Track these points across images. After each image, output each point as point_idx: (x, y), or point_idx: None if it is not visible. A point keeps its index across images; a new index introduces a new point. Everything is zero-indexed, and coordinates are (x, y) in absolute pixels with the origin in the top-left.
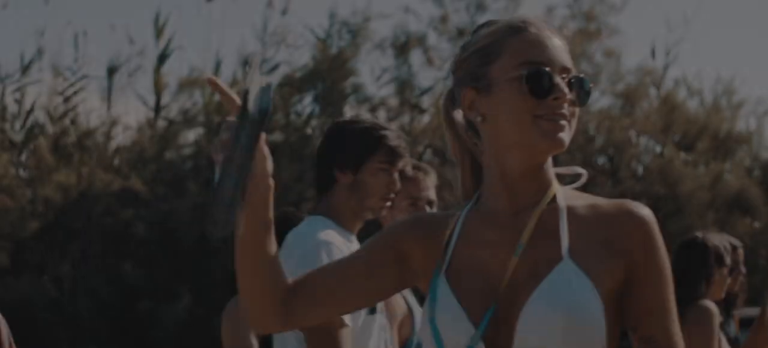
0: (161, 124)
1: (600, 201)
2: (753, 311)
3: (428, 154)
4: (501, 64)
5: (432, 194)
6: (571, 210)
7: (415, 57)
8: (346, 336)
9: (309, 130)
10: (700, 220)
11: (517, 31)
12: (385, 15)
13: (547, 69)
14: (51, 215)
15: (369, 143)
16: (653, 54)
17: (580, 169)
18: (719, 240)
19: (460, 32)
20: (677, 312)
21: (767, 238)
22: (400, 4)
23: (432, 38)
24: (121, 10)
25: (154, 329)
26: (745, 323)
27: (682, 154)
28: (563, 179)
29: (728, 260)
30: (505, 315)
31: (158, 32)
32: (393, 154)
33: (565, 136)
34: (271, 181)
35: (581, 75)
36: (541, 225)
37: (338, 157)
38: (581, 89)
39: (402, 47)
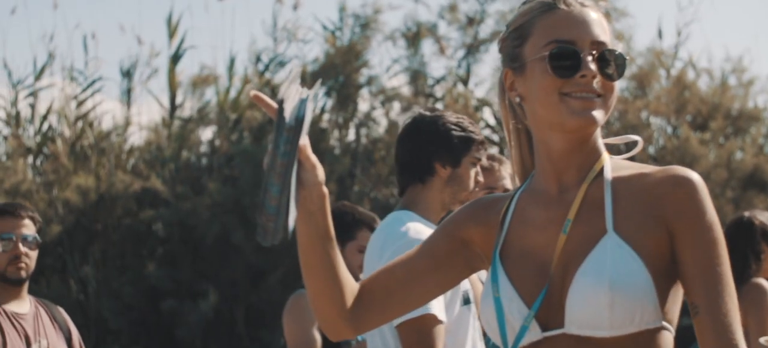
0: (177, 123)
1: (648, 169)
2: None
3: None
4: (531, 44)
5: (508, 183)
6: (617, 181)
7: (426, 47)
8: (440, 332)
9: (323, 124)
10: (717, 199)
11: (547, 8)
12: (395, 6)
13: (573, 47)
14: (71, 218)
15: (466, 138)
16: (660, 35)
17: (634, 137)
18: (766, 217)
19: (470, 20)
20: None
21: None
22: None
23: (442, 27)
24: (129, 11)
25: (179, 328)
26: None
27: (698, 134)
28: (615, 150)
29: None
30: (556, 292)
31: (171, 32)
32: (481, 148)
33: (598, 113)
34: (325, 190)
35: (614, 49)
36: (588, 200)
37: (440, 152)
38: (613, 63)
39: (413, 38)
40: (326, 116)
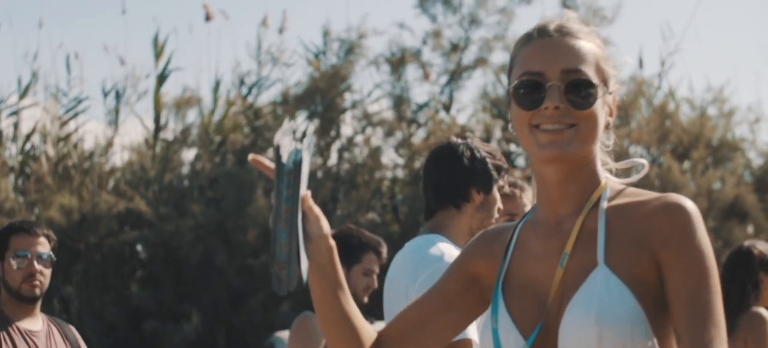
0: (160, 144)
1: (646, 197)
2: None
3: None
4: (513, 77)
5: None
6: (613, 211)
7: (410, 72)
8: None
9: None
10: None
11: (525, 41)
12: (379, 32)
13: (539, 78)
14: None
15: (498, 166)
16: (641, 64)
17: (640, 160)
18: (766, 247)
19: (454, 47)
20: (729, 320)
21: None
22: (394, 20)
23: (426, 53)
24: (115, 32)
25: None
26: None
27: (684, 163)
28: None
29: None
30: (552, 325)
31: (158, 53)
32: (506, 176)
33: (566, 144)
34: (332, 242)
35: (582, 77)
36: (585, 230)
37: (477, 179)
38: (579, 92)
39: (397, 63)
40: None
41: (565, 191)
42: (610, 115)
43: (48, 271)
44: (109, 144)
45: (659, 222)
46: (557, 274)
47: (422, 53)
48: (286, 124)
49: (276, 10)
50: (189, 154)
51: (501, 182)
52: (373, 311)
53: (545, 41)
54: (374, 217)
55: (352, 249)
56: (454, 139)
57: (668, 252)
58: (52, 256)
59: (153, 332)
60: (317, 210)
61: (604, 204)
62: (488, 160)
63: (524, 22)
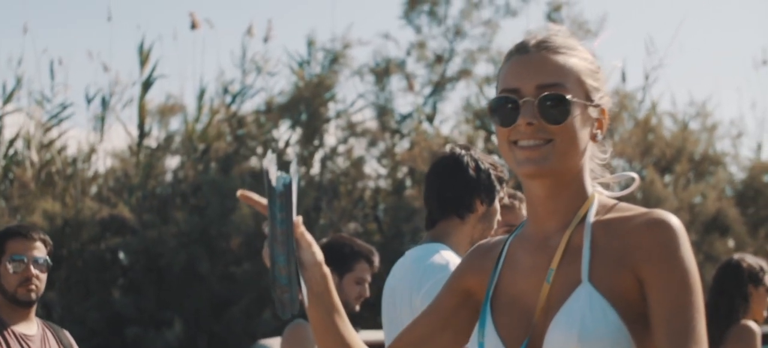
0: (144, 151)
1: (632, 212)
2: None
3: (408, 181)
4: (496, 94)
5: None
6: (599, 226)
7: (394, 83)
8: None
9: (290, 156)
10: None
11: (507, 58)
12: (364, 42)
13: (513, 94)
14: None
15: (499, 177)
16: (624, 78)
17: (631, 174)
18: (755, 261)
19: (438, 58)
20: (719, 333)
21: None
22: (379, 31)
23: (410, 64)
24: (100, 38)
25: None
26: None
27: (666, 177)
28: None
29: (767, 280)
30: (537, 341)
31: (143, 60)
32: (504, 187)
33: (542, 160)
34: (326, 269)
35: (555, 92)
36: (571, 246)
37: (481, 189)
38: (552, 107)
39: (381, 73)
40: (293, 149)
41: (551, 206)
42: (599, 127)
43: (44, 276)
44: (92, 150)
45: (642, 238)
46: (544, 290)
47: (406, 64)
48: (270, 155)
49: (261, 19)
50: (173, 162)
51: (502, 193)
52: (364, 320)
53: (523, 57)
54: (356, 226)
55: (344, 258)
56: (457, 149)
57: (650, 268)
58: (48, 260)
59: (135, 339)
60: (309, 237)
61: (591, 219)
62: (491, 171)
63: (509, 35)
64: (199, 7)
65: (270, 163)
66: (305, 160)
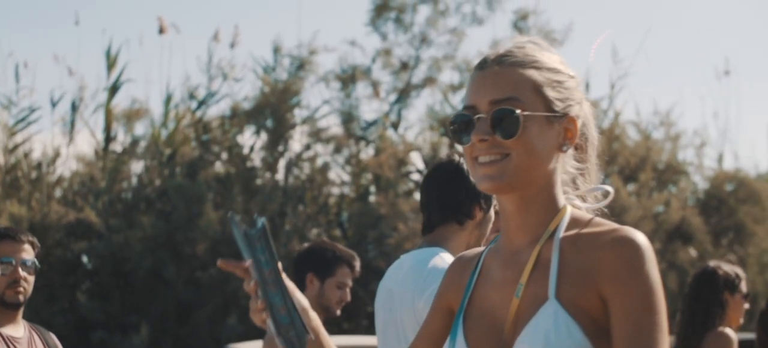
0: (111, 155)
1: (602, 227)
2: None
3: (373, 187)
4: None
5: None
6: (568, 241)
7: (360, 89)
8: None
9: (255, 162)
10: None
11: (471, 73)
12: (330, 49)
13: (469, 112)
14: None
15: None
16: (588, 87)
17: (606, 187)
18: (730, 268)
19: (404, 65)
20: (695, 340)
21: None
22: (345, 38)
23: (375, 71)
24: (67, 41)
25: None
26: None
27: (630, 186)
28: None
29: (743, 287)
30: None
31: (110, 64)
32: None
33: (499, 176)
34: (314, 313)
35: (507, 106)
36: (540, 261)
37: (480, 196)
38: (504, 121)
39: (347, 80)
40: (258, 154)
41: (520, 220)
42: (568, 137)
43: (32, 278)
44: (57, 154)
45: (607, 255)
46: (513, 305)
47: (372, 71)
48: (234, 217)
49: (228, 25)
50: (139, 166)
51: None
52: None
53: (482, 73)
54: (320, 232)
55: (326, 262)
56: (456, 157)
57: (613, 287)
58: (36, 262)
59: (100, 343)
60: (290, 284)
61: (560, 234)
62: None
63: (475, 43)
64: (166, 12)
65: (233, 216)
66: (270, 166)
